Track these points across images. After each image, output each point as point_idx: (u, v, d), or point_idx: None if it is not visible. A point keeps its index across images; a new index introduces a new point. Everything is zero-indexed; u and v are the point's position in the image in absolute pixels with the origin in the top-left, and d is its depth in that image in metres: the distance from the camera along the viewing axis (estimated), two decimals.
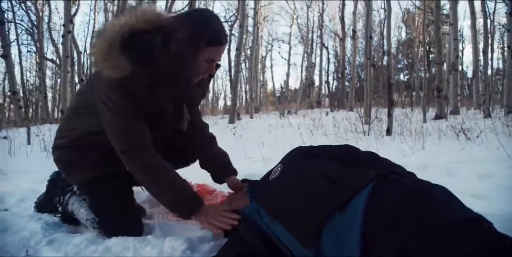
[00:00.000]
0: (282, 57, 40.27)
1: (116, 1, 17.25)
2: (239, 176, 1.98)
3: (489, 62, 16.24)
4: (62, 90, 11.83)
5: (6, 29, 15.25)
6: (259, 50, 22.76)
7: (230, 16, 20.68)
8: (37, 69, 21.88)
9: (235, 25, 14.21)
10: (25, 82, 21.77)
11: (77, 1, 16.36)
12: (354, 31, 19.29)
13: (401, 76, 28.76)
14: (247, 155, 3.67)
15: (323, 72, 27.95)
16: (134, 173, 1.59)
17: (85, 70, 19.87)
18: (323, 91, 29.10)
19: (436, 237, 0.92)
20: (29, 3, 17.76)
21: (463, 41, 23.32)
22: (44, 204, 1.96)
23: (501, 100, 12.85)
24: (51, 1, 18.16)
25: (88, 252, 1.47)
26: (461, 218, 0.98)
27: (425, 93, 13.33)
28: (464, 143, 4.31)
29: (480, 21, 14.71)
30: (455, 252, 0.88)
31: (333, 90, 27.95)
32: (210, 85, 1.85)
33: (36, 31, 18.15)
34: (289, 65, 26.35)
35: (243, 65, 22.48)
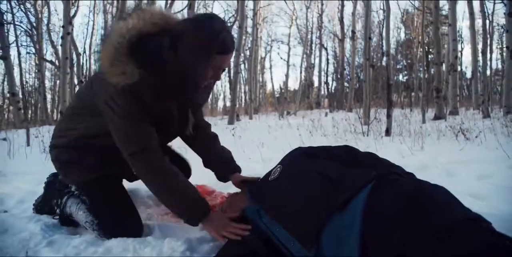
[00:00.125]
0: (281, 58, 40.20)
1: (115, 3, 17.27)
2: None
3: (488, 62, 16.27)
4: (61, 91, 11.84)
5: (5, 31, 15.26)
6: (258, 51, 22.75)
7: (229, 17, 20.69)
8: (36, 71, 21.88)
9: (234, 26, 14.22)
10: (24, 83, 21.78)
11: (77, 1, 16.36)
12: (353, 32, 19.32)
13: (400, 77, 28.82)
14: (246, 156, 3.67)
15: (322, 73, 28.02)
16: (141, 176, 1.58)
17: (84, 71, 19.87)
18: (322, 92, 29.16)
19: (435, 237, 0.92)
20: (28, 5, 17.79)
21: (462, 42, 23.35)
22: (42, 206, 1.96)
23: (500, 100, 12.87)
24: (50, 3, 18.22)
25: (88, 254, 1.47)
26: (460, 218, 0.98)
27: (424, 93, 13.28)
28: (463, 143, 4.31)
29: (479, 22, 14.73)
30: (454, 252, 0.88)
31: (332, 91, 27.99)
32: None
33: (35, 32, 18.16)
34: (288, 66, 26.39)
35: (242, 66, 22.50)
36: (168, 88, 1.53)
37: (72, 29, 13.94)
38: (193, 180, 2.05)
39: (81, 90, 1.99)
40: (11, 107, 12.46)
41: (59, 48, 13.50)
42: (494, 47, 19.76)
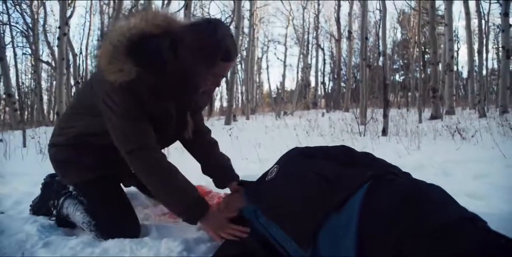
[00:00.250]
0: (278, 59, 40.34)
1: (111, 3, 17.24)
2: None
3: (484, 62, 16.31)
4: (57, 92, 11.80)
5: (1, 32, 15.25)
6: (255, 52, 22.78)
7: (226, 18, 20.67)
8: (33, 72, 21.80)
9: (231, 27, 14.23)
10: (21, 84, 21.78)
11: (73, 2, 16.32)
12: (349, 32, 19.36)
13: (397, 77, 28.86)
14: (243, 156, 3.67)
15: (319, 73, 28.04)
16: (139, 175, 1.57)
17: (81, 72, 19.83)
18: (319, 92, 29.21)
19: (432, 236, 0.93)
20: (24, 5, 17.74)
21: (458, 42, 23.40)
22: (39, 207, 1.95)
23: (496, 100, 12.92)
24: (46, 3, 18.14)
25: (85, 254, 1.47)
26: (456, 218, 0.98)
27: (420, 93, 13.36)
28: (459, 143, 4.32)
29: (475, 22, 14.82)
30: (450, 251, 0.89)
31: (329, 91, 27.99)
32: None
33: (31, 33, 18.12)
34: (285, 66, 26.42)
35: (239, 66, 22.50)
36: (167, 88, 1.52)
37: (69, 30, 13.89)
38: (190, 180, 2.05)
39: (80, 90, 1.99)
40: (7, 108, 12.40)
41: (56, 49, 13.47)
42: (490, 47, 19.84)
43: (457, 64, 22.54)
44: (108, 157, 1.62)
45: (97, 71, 1.61)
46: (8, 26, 17.24)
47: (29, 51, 20.65)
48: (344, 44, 23.75)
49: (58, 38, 11.42)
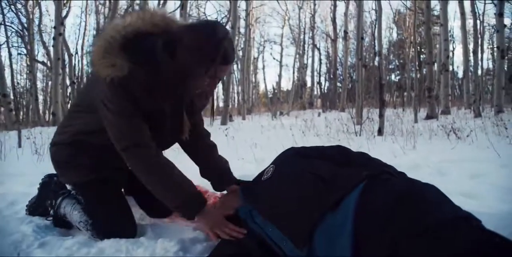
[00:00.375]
0: (274, 59, 40.24)
1: (107, 3, 17.20)
2: None
3: (479, 62, 16.38)
4: (53, 92, 11.80)
5: None
6: (251, 52, 22.75)
7: (222, 18, 20.67)
8: (28, 72, 21.70)
9: (227, 27, 14.24)
10: (16, 84, 21.68)
11: (68, 2, 16.27)
12: (345, 32, 19.38)
13: (393, 77, 28.92)
14: (239, 156, 3.67)
15: (315, 73, 28.09)
16: (135, 171, 1.57)
17: (76, 72, 19.76)
18: (315, 92, 29.24)
19: (427, 235, 0.93)
20: (19, 5, 17.65)
21: (453, 42, 23.43)
22: (36, 207, 1.95)
23: (491, 99, 12.97)
24: (41, 3, 18.07)
25: (80, 254, 1.46)
26: (451, 217, 0.98)
27: (416, 93, 13.36)
28: (454, 142, 4.34)
29: (470, 22, 14.87)
30: (446, 250, 0.89)
31: (325, 91, 28.08)
32: None
33: (26, 33, 18.02)
34: (281, 66, 26.42)
35: (235, 66, 22.47)
36: (160, 86, 1.50)
37: (64, 30, 13.83)
38: None
39: (81, 89, 1.99)
40: (2, 109, 12.34)
41: (51, 49, 13.45)
42: (485, 47, 19.97)
43: (452, 64, 22.62)
44: (106, 156, 1.62)
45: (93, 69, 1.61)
46: (3, 26, 17.14)
47: (24, 51, 20.58)
48: (340, 44, 23.75)
49: (54, 38, 11.42)
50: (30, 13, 17.44)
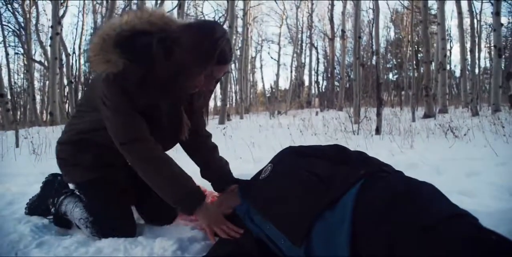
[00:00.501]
0: (271, 58, 40.30)
1: (104, 3, 17.16)
2: None
3: (477, 61, 16.41)
4: (50, 92, 11.78)
5: None
6: (248, 51, 22.79)
7: (220, 17, 20.62)
8: (25, 71, 21.69)
9: (225, 26, 14.23)
10: (13, 84, 21.58)
11: (66, 1, 16.24)
12: (343, 31, 19.39)
13: (390, 76, 28.91)
14: (237, 156, 3.67)
15: (313, 72, 28.09)
16: (134, 166, 1.57)
17: (74, 72, 19.71)
18: (313, 91, 29.22)
19: (423, 233, 0.93)
20: (15, 5, 17.61)
21: (450, 41, 23.50)
22: (36, 206, 1.95)
23: (488, 98, 12.99)
24: (38, 3, 18.01)
25: (79, 254, 1.46)
26: (448, 214, 0.99)
27: (413, 92, 13.45)
28: (452, 141, 4.35)
29: (467, 21, 14.88)
30: (442, 248, 0.90)
31: (323, 90, 28.01)
32: None
33: (23, 33, 17.98)
34: (278, 65, 26.47)
35: (233, 65, 22.45)
36: (155, 82, 1.50)
37: (61, 29, 13.83)
38: None
39: (86, 90, 2.00)
40: None
41: (48, 48, 13.39)
42: (482, 46, 19.91)
43: (449, 63, 22.66)
44: (109, 155, 1.63)
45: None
46: None
47: (22, 50, 20.56)
48: (338, 43, 23.84)
49: (51, 38, 11.40)
50: (27, 12, 17.38)
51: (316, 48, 27.98)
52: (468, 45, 13.81)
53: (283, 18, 26.35)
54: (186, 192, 1.55)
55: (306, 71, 27.81)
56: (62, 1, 15.39)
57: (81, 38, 21.33)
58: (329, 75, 26.28)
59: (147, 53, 1.45)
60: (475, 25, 15.88)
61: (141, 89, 1.49)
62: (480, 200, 2.07)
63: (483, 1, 17.33)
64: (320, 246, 1.13)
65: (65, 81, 16.46)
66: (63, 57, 16.13)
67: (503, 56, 9.36)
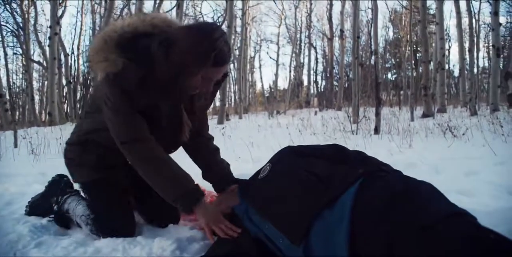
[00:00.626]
0: (270, 58, 40.23)
1: (103, 3, 17.14)
2: None
3: (475, 60, 16.43)
4: (49, 92, 11.76)
5: None
6: (247, 51, 22.75)
7: (218, 17, 20.60)
8: (24, 72, 21.63)
9: (223, 26, 14.21)
10: (12, 84, 21.49)
11: (64, 1, 16.22)
12: (341, 31, 19.39)
13: (389, 75, 28.88)
14: (236, 156, 3.67)
15: (312, 72, 28.03)
16: (134, 165, 1.59)
17: (72, 72, 19.67)
18: (311, 91, 29.21)
19: (422, 232, 0.94)
20: (14, 5, 17.57)
21: (449, 40, 23.50)
22: (39, 204, 1.96)
23: (487, 98, 13.00)
24: (37, 3, 17.97)
25: (77, 254, 1.46)
26: (447, 214, 0.99)
27: (412, 92, 13.44)
28: (450, 140, 4.35)
29: (465, 21, 14.85)
30: (441, 247, 0.90)
31: (322, 90, 27.98)
32: None
33: (22, 33, 17.93)
34: (277, 65, 26.44)
35: (231, 65, 22.44)
36: (153, 82, 1.50)
37: (60, 30, 13.82)
38: None
39: (93, 91, 2.02)
40: None
41: (47, 48, 13.34)
42: (480, 45, 19.98)
43: (448, 63, 22.65)
44: (113, 155, 1.64)
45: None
46: None
47: (20, 50, 20.51)
48: (336, 43, 23.84)
49: (49, 38, 11.39)
50: (26, 12, 17.33)
51: (315, 48, 27.97)
52: (466, 45, 13.78)
53: (281, 18, 26.34)
54: (185, 191, 1.56)
55: (305, 71, 27.79)
56: (60, 1, 15.37)
57: (79, 38, 21.28)
58: (328, 75, 26.25)
59: (147, 54, 1.46)
60: (474, 25, 15.87)
61: (141, 90, 1.50)
62: (478, 199, 2.07)
63: (482, 1, 17.35)
64: (318, 245, 1.13)
65: (64, 81, 16.42)
66: (62, 57, 16.09)
67: (502, 56, 9.38)
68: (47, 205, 1.91)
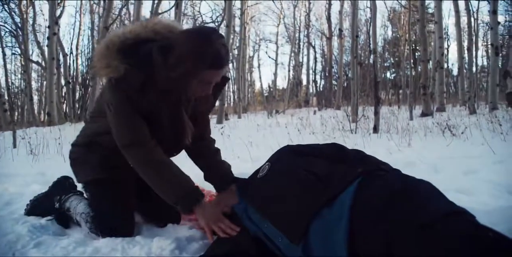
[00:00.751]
0: (269, 57, 40.17)
1: (101, 3, 17.11)
2: None
3: (474, 59, 16.44)
4: (48, 92, 11.74)
5: None
6: (246, 50, 22.75)
7: (217, 17, 20.60)
8: (22, 72, 21.53)
9: (222, 26, 14.20)
10: (10, 85, 21.47)
11: (63, 1, 16.20)
12: (340, 30, 19.43)
13: (388, 74, 28.90)
14: (235, 155, 3.67)
15: (311, 71, 28.07)
16: (135, 168, 1.61)
17: (71, 72, 19.66)
18: (310, 90, 29.23)
19: (421, 230, 0.94)
20: (12, 5, 17.54)
21: (448, 39, 23.47)
22: (40, 203, 1.97)
23: (486, 96, 13.01)
24: (35, 3, 17.94)
25: (76, 254, 1.46)
26: (445, 212, 0.99)
27: (411, 90, 13.43)
28: (449, 139, 4.36)
29: (464, 19, 14.88)
30: (439, 245, 0.90)
31: (321, 89, 28.01)
32: None
33: (20, 33, 17.89)
34: (276, 64, 26.40)
35: (230, 65, 22.44)
36: (154, 87, 1.54)
37: (58, 30, 13.78)
38: None
39: (98, 95, 2.04)
40: None
41: (45, 48, 13.34)
42: (479, 44, 20.01)
43: (447, 62, 22.61)
44: (115, 157, 1.64)
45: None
46: None
47: (19, 51, 20.43)
48: (335, 42, 23.81)
49: (48, 38, 11.37)
50: (24, 12, 17.28)
51: (314, 47, 27.98)
52: (465, 44, 13.77)
53: (280, 17, 26.35)
54: (185, 192, 1.57)
55: (304, 70, 27.81)
56: (59, 1, 15.34)
57: (78, 38, 21.22)
58: (326, 74, 26.25)
59: (148, 60, 1.50)
60: (472, 24, 15.85)
61: (142, 94, 1.53)
62: (477, 198, 2.08)
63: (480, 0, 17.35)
64: (317, 243, 1.14)
65: (63, 82, 16.43)
66: (61, 57, 16.07)
67: (500, 54, 9.40)
68: (49, 204, 1.93)
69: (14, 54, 22.17)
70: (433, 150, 3.69)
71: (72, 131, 6.36)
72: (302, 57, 27.61)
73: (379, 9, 22.44)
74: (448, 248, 0.89)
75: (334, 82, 24.47)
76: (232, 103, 24.68)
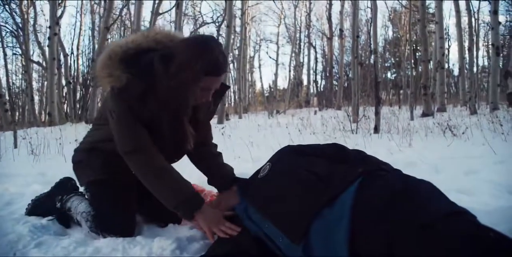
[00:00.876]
0: (270, 57, 40.19)
1: (102, 3, 17.13)
2: None
3: (475, 59, 16.42)
4: (49, 92, 11.75)
5: None
6: (247, 50, 22.75)
7: (218, 17, 20.58)
8: (23, 72, 21.55)
9: (223, 26, 14.20)
10: (11, 85, 21.46)
11: (63, 1, 16.20)
12: (341, 30, 19.40)
13: (389, 75, 28.88)
14: (236, 155, 3.67)
15: (311, 72, 28.03)
16: (136, 174, 1.63)
17: (72, 72, 19.66)
18: (311, 91, 29.22)
19: (422, 230, 0.94)
20: (13, 5, 17.54)
21: (449, 39, 23.47)
22: (42, 202, 1.97)
23: (487, 97, 13.00)
24: (36, 3, 17.95)
25: (77, 254, 1.46)
26: (446, 212, 0.99)
27: (412, 91, 13.43)
28: (450, 139, 4.36)
29: (465, 20, 14.85)
30: (440, 245, 0.90)
31: (321, 89, 27.99)
32: None
33: (21, 33, 17.90)
34: (277, 65, 26.45)
35: (231, 65, 22.45)
36: (156, 96, 1.56)
37: (59, 30, 13.79)
38: None
39: (101, 103, 2.06)
40: None
41: (46, 49, 13.34)
42: (480, 44, 19.96)
43: (448, 62, 22.63)
44: (117, 161, 1.65)
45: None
46: None
47: (20, 51, 20.44)
48: (336, 42, 23.83)
49: (49, 38, 11.38)
50: (25, 13, 17.30)
51: (315, 48, 27.96)
52: (466, 44, 13.76)
53: (281, 17, 26.36)
54: (186, 197, 1.57)
55: (305, 71, 27.78)
56: (60, 1, 15.35)
57: (79, 39, 21.19)
58: (327, 74, 26.23)
59: (150, 69, 1.52)
60: (473, 24, 15.83)
61: (143, 102, 1.56)
62: (478, 198, 2.07)
63: (481, 0, 17.33)
64: (318, 243, 1.14)
65: (64, 82, 16.41)
66: (61, 57, 16.07)
67: (501, 55, 9.39)
68: (51, 204, 1.93)
69: (15, 54, 22.19)
70: (434, 150, 3.68)
71: (73, 131, 6.37)
72: (303, 57, 27.63)
73: (380, 9, 22.47)
74: (449, 248, 0.89)
75: (334, 82, 24.49)
76: (233, 103, 24.70)
